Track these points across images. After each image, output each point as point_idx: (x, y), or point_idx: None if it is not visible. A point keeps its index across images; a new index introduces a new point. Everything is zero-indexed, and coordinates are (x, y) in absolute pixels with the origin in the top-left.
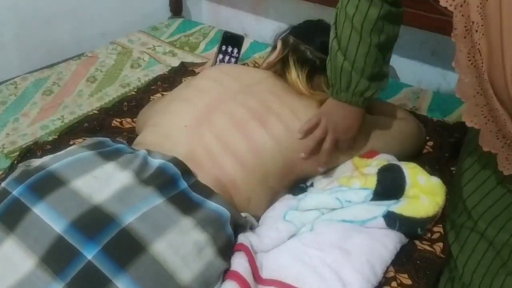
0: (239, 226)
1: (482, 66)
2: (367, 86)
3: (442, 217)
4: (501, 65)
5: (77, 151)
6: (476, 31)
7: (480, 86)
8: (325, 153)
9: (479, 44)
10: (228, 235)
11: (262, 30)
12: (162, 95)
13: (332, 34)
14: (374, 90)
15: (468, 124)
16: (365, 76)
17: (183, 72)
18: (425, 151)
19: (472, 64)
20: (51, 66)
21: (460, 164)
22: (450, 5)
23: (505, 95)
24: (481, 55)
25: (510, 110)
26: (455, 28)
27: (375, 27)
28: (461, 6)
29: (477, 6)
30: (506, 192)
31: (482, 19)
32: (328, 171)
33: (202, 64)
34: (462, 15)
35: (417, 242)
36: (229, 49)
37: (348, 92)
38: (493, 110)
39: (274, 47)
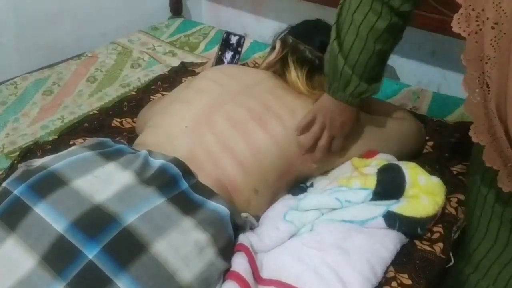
0: (239, 226)
1: (488, 94)
2: (365, 88)
3: (442, 217)
4: (504, 97)
5: (78, 151)
6: (486, 63)
7: (486, 110)
8: (321, 150)
9: (488, 76)
10: (229, 235)
11: (262, 30)
12: (162, 95)
13: (333, 34)
14: (371, 92)
15: (475, 140)
16: (364, 79)
17: (183, 72)
18: (425, 151)
19: (481, 88)
20: (51, 66)
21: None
22: (464, 31)
23: (507, 125)
24: (488, 87)
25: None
26: (468, 53)
27: (380, 37)
28: (475, 33)
29: (491, 40)
30: None
31: (495, 51)
32: (328, 171)
33: (202, 64)
34: (476, 42)
35: (417, 242)
36: (229, 49)
37: (346, 92)
38: (497, 136)
39: (273, 47)
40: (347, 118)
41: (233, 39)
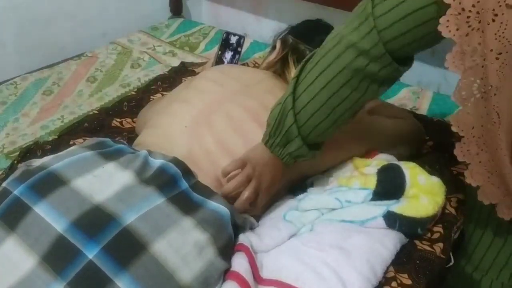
0: (239, 226)
1: (499, 127)
2: (305, 153)
3: (442, 217)
4: (511, 123)
5: (78, 151)
6: (495, 94)
7: (486, 144)
8: (243, 202)
9: (497, 106)
10: (229, 235)
11: (262, 30)
12: (162, 95)
13: (290, 89)
14: (308, 158)
15: (468, 182)
16: (306, 144)
17: (183, 72)
18: (425, 151)
19: (481, 125)
20: (51, 66)
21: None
22: (459, 69)
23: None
24: (499, 117)
25: None
26: (462, 92)
27: (341, 105)
28: (471, 69)
29: (497, 70)
30: None
31: (500, 81)
32: (327, 171)
33: (202, 64)
34: (472, 78)
35: (417, 242)
36: (229, 49)
37: (284, 151)
38: (499, 165)
39: (274, 47)
40: (277, 174)
41: (233, 39)
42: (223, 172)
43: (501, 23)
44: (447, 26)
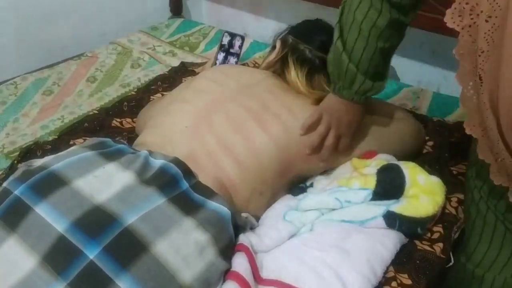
0: (240, 226)
1: (481, 87)
2: (370, 86)
3: (442, 217)
4: (496, 90)
5: (78, 151)
6: (479, 56)
7: (479, 102)
8: (328, 149)
9: (481, 69)
10: (229, 235)
11: (262, 30)
12: (162, 95)
13: (336, 33)
14: (376, 90)
15: (468, 132)
16: (369, 77)
17: (183, 72)
18: (425, 151)
19: (475, 81)
20: (51, 66)
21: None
22: (458, 25)
23: (499, 118)
24: (481, 79)
25: (503, 135)
26: (461, 47)
27: (382, 34)
28: (469, 26)
29: (485, 33)
30: None
31: (488, 45)
32: (327, 171)
33: (202, 64)
34: (470, 35)
35: (417, 242)
36: (229, 49)
37: (352, 90)
38: (488, 129)
39: (273, 47)
40: (354, 116)
41: (233, 39)
42: (303, 126)
43: None
44: None
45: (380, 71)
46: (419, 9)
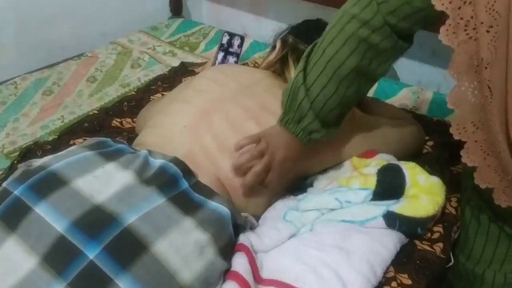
0: (240, 226)
1: (490, 102)
2: (317, 128)
3: (442, 217)
4: (505, 101)
5: (78, 151)
6: (486, 68)
7: (481, 122)
8: (252, 175)
9: (489, 80)
10: (229, 235)
11: (262, 30)
12: (162, 95)
13: (301, 65)
14: (322, 134)
15: (469, 164)
16: (319, 119)
17: (183, 72)
18: (425, 151)
19: (475, 100)
20: (51, 66)
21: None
22: (452, 42)
23: (509, 132)
24: (491, 91)
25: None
26: (456, 65)
27: (346, 78)
28: (465, 42)
29: (488, 43)
30: None
31: (492, 55)
32: (327, 171)
33: (202, 64)
34: (466, 52)
35: (417, 242)
36: (229, 49)
37: (298, 126)
38: (495, 144)
39: (273, 47)
40: (291, 154)
41: (233, 39)
42: (236, 146)
43: None
44: (440, 0)
45: (332, 118)
46: (392, 62)
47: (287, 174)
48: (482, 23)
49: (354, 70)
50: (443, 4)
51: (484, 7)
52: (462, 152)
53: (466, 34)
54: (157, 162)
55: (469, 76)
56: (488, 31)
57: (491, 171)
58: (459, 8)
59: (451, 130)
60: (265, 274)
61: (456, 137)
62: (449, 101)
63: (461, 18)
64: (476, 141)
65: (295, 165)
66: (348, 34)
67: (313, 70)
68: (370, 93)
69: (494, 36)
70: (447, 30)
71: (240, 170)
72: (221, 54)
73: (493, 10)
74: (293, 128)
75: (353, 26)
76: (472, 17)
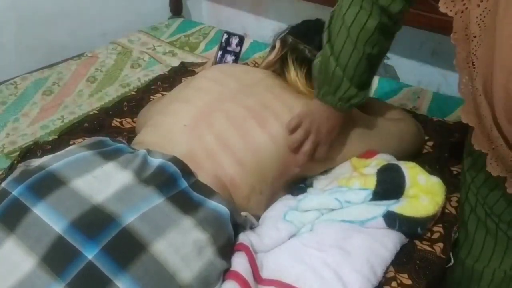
0: (239, 226)
1: (474, 71)
2: (355, 93)
3: (442, 217)
4: (490, 76)
5: (76, 151)
6: (472, 40)
7: (472, 88)
8: (304, 155)
9: (475, 54)
10: (228, 234)
11: (262, 30)
12: (162, 95)
13: (325, 38)
14: (360, 98)
15: (463, 121)
16: (354, 83)
17: (183, 72)
18: (425, 151)
19: (469, 66)
20: (51, 66)
21: (462, 164)
22: (450, 10)
23: (493, 104)
24: (473, 64)
25: (497, 122)
26: (455, 32)
27: (370, 39)
28: (461, 12)
29: (477, 17)
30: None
31: (480, 29)
32: (327, 171)
33: (202, 64)
34: (462, 21)
35: (417, 242)
36: (229, 49)
37: (335, 97)
38: (482, 116)
39: (273, 47)
40: (334, 124)
41: (232, 39)
42: (288, 127)
43: None
44: None
45: (365, 79)
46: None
47: (349, 134)
48: None
49: (376, 30)
50: None
51: None
52: (461, 109)
53: (463, 4)
54: (156, 161)
55: (464, 44)
56: (478, 5)
57: (484, 138)
58: None
59: (458, 90)
60: (265, 274)
61: (459, 93)
62: (455, 64)
63: None
64: (472, 105)
65: (340, 130)
66: (359, 5)
67: (337, 38)
68: (370, 93)
69: (483, 11)
70: None
71: (295, 152)
72: (219, 53)
73: None
74: (331, 99)
75: None
76: None
